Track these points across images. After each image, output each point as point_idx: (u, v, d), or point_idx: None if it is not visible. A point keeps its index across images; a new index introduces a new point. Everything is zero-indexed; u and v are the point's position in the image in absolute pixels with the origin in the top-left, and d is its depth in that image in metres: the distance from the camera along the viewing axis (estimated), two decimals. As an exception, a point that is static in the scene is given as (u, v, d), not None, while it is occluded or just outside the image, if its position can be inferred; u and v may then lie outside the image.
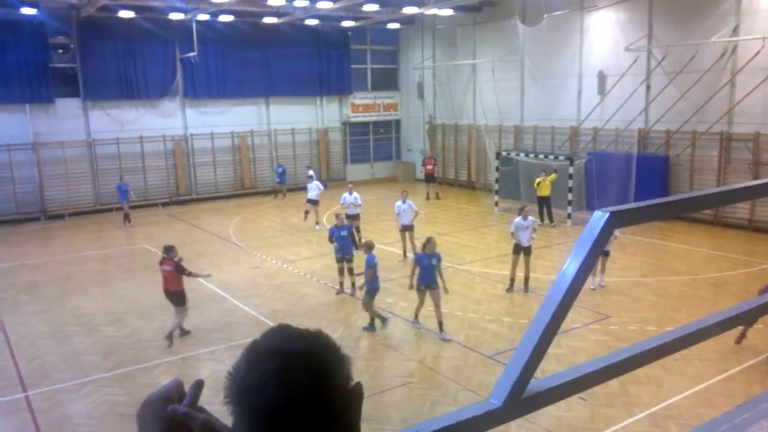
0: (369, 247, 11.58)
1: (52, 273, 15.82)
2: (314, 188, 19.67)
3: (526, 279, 13.29)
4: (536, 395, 1.39)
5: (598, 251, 1.35)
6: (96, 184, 23.55)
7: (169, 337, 10.92)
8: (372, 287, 11.27)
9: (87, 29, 22.72)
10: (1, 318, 12.52)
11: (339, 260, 13.39)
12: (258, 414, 0.95)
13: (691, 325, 1.80)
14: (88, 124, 23.56)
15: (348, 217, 16.84)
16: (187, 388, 1.10)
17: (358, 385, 1.03)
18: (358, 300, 13.02)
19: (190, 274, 11.17)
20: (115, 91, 23.62)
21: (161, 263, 11.21)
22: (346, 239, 13.31)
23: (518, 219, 13.21)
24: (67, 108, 23.18)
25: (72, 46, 23.28)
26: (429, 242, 11.14)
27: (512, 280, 13.35)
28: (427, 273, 11.02)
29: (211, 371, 9.73)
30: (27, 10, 20.74)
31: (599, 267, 12.92)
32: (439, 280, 11.11)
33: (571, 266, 1.34)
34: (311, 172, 22.62)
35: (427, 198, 24.39)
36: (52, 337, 11.52)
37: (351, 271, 13.29)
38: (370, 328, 11.30)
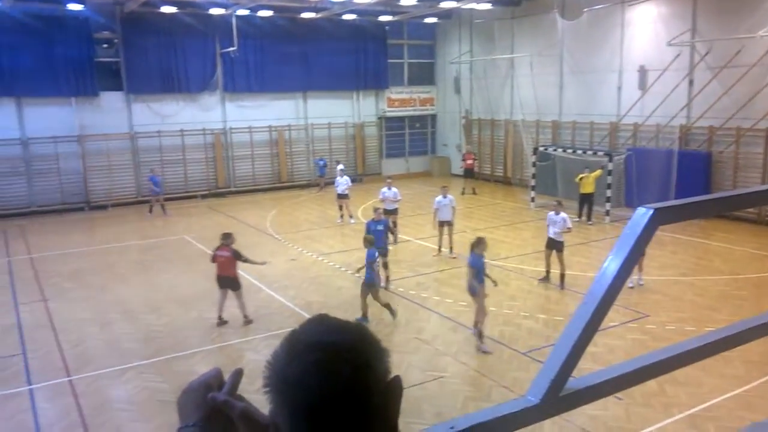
0: (369, 242, 11.82)
1: (95, 261, 16.25)
2: (344, 183, 19.78)
3: (561, 276, 13.24)
4: (575, 393, 1.39)
5: (641, 249, 1.35)
6: (138, 175, 24.03)
7: (247, 318, 11.52)
8: (371, 281, 11.41)
9: (130, 24, 23.19)
10: (47, 304, 12.94)
11: None
12: (298, 406, 0.96)
13: (734, 327, 1.78)
14: (131, 116, 24.08)
15: (386, 212, 16.84)
16: (226, 376, 1.12)
17: (397, 378, 1.03)
18: (391, 293, 13.08)
19: (246, 260, 11.59)
20: (157, 85, 24.07)
21: (218, 249, 11.50)
22: (382, 233, 13.37)
23: (551, 213, 13.46)
24: (111, 101, 23.72)
25: (116, 40, 23.80)
26: (481, 242, 10.73)
27: (547, 271, 13.53)
28: (482, 275, 10.63)
29: (248, 361, 9.90)
30: (73, 6, 21.24)
31: (637, 265, 12.69)
32: (486, 279, 10.75)
33: (612, 264, 1.33)
34: (341, 167, 22.76)
35: (463, 193, 24.26)
36: (94, 323, 11.85)
37: (386, 265, 13.35)
38: (392, 317, 11.54)
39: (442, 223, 15.72)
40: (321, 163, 26.07)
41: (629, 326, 10.94)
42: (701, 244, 16.53)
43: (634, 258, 1.35)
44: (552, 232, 13.24)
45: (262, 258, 12.95)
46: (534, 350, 10.12)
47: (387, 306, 11.49)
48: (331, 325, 1.02)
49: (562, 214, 13.24)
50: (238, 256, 11.47)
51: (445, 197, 15.69)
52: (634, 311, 11.54)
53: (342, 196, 19.87)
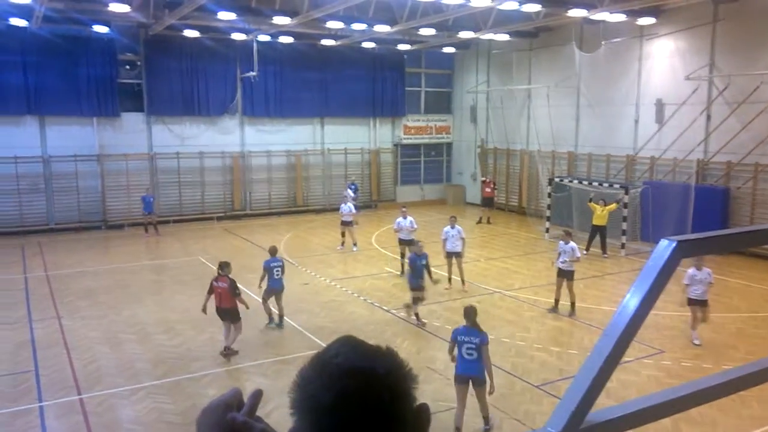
0: (271, 252, 12.84)
1: (110, 280, 16.35)
2: (348, 209, 19.71)
3: (572, 304, 13.35)
4: (594, 426, 1.37)
5: (663, 283, 1.34)
6: (156, 196, 24.25)
7: (227, 352, 10.96)
8: (268, 287, 12.50)
9: (154, 47, 23.66)
10: (61, 322, 13.00)
11: (414, 288, 12.94)
12: (333, 430, 0.96)
13: (752, 365, 1.75)
14: (151, 138, 24.42)
15: (401, 242, 16.69)
16: (245, 397, 1.13)
17: (426, 406, 1.04)
18: (404, 320, 13.00)
19: (238, 296, 11.04)
20: (177, 107, 24.44)
21: (216, 280, 11.04)
22: (423, 269, 12.94)
23: (561, 242, 13.59)
24: (132, 122, 24.09)
25: (139, 63, 24.27)
26: (469, 312, 8.53)
27: (556, 301, 13.59)
28: (465, 361, 8.28)
29: (257, 384, 9.84)
30: (99, 28, 21.74)
31: (698, 318, 11.75)
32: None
33: (634, 297, 1.33)
34: (350, 192, 22.94)
35: (479, 221, 24.21)
36: (107, 342, 11.88)
37: (419, 300, 12.96)
38: (271, 323, 12.58)
39: (450, 255, 15.32)
40: (353, 187, 25.86)
41: (644, 362, 10.78)
42: (719, 280, 16.20)
43: (656, 291, 1.34)
44: (561, 261, 13.31)
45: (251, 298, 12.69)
46: (547, 383, 9.98)
47: (270, 314, 12.62)
48: (365, 351, 1.03)
49: (572, 243, 13.33)
50: (233, 289, 10.90)
51: (452, 227, 15.35)
52: (649, 347, 11.37)
53: (345, 223, 19.77)
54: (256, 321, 12.88)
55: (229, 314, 10.99)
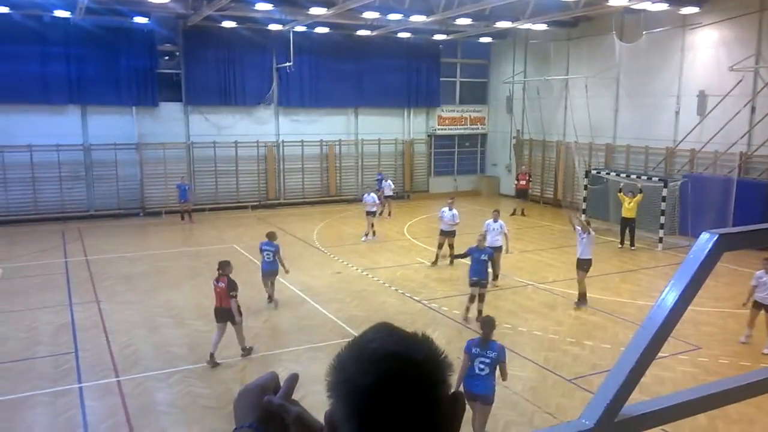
0: (269, 236, 13.21)
1: (147, 266, 16.70)
2: (371, 200, 19.91)
3: (579, 294, 13.31)
4: (629, 420, 1.36)
5: (703, 277, 1.31)
6: (192, 184, 24.62)
7: (247, 350, 10.70)
8: (262, 269, 13.19)
9: (192, 38, 23.95)
10: (100, 305, 13.34)
11: (473, 284, 12.34)
12: (369, 415, 0.96)
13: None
14: (188, 127, 24.78)
15: (441, 233, 16.55)
16: (282, 381, 1.15)
17: (461, 394, 1.03)
18: (437, 312, 12.99)
19: (234, 297, 10.35)
20: (214, 97, 24.73)
21: (217, 280, 10.58)
22: (485, 264, 12.49)
23: (579, 230, 13.59)
24: (170, 111, 24.47)
25: (177, 53, 24.61)
26: (486, 324, 7.85)
27: (581, 293, 13.49)
28: (475, 376, 7.54)
29: (290, 371, 9.94)
30: (139, 19, 22.11)
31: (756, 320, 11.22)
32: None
33: (673, 291, 1.30)
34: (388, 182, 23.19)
35: (513, 213, 24.00)
36: (144, 326, 12.16)
37: (482, 297, 12.37)
38: (270, 302, 13.20)
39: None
40: (380, 177, 25.78)
41: (680, 358, 10.60)
42: (760, 276, 15.86)
43: (696, 286, 1.31)
44: (579, 249, 13.36)
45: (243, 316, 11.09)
46: (580, 377, 9.89)
47: (271, 296, 13.27)
48: (401, 336, 1.03)
49: (590, 232, 13.41)
50: (230, 289, 10.32)
51: (495, 221, 15.02)
52: (685, 343, 11.16)
53: (370, 213, 19.91)
54: (289, 308, 13.04)
55: (228, 315, 10.50)
